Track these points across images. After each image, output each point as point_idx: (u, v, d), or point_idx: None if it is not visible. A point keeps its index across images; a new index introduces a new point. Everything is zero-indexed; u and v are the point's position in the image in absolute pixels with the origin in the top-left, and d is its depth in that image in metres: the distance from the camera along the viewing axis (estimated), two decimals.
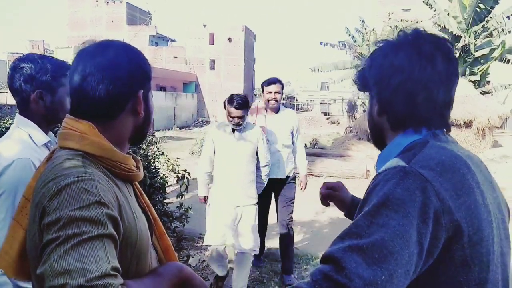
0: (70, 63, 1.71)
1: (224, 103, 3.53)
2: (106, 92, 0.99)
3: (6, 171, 1.49)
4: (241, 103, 3.41)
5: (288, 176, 4.18)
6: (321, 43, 21.07)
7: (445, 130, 1.05)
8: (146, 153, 4.64)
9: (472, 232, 0.89)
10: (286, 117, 4.19)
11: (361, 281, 0.76)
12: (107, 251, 0.79)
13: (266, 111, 4.18)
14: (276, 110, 4.15)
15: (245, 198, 3.58)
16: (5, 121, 4.51)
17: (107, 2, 40.63)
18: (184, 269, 1.03)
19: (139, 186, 1.15)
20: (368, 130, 1.20)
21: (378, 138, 1.14)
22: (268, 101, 4.07)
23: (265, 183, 3.89)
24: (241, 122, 3.46)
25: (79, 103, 1.02)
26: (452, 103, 1.03)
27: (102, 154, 0.97)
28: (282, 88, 4.15)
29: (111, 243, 0.82)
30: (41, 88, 1.61)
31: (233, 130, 3.55)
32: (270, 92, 4.07)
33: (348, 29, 21.74)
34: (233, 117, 3.44)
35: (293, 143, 4.23)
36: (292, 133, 4.18)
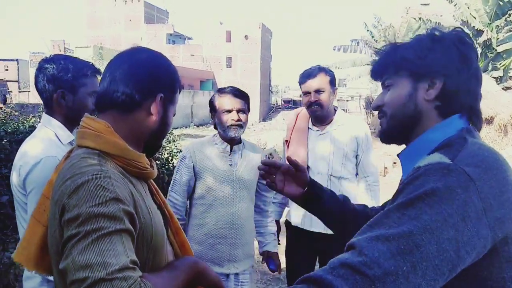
0: (92, 62, 1.77)
1: (212, 101, 2.24)
2: (126, 84, 1.04)
3: (34, 169, 1.55)
4: (239, 90, 2.21)
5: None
6: (334, 48, 20.80)
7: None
8: (162, 153, 4.66)
9: None
10: (343, 130, 2.49)
11: (380, 270, 0.75)
12: (125, 245, 0.83)
13: (312, 122, 2.56)
14: (325, 120, 2.51)
15: (244, 260, 2.25)
16: (28, 119, 4.62)
17: (125, 1, 41.12)
18: (199, 263, 1.06)
19: (154, 183, 1.19)
20: (391, 119, 1.08)
21: (407, 126, 1.06)
22: (308, 107, 2.46)
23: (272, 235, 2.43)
24: (242, 124, 2.16)
25: (99, 98, 1.08)
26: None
27: (117, 152, 1.00)
28: (333, 82, 2.47)
29: (128, 237, 0.85)
30: (62, 88, 1.66)
31: (230, 149, 2.21)
32: (308, 93, 2.44)
33: (366, 24, 21.51)
34: (229, 111, 2.13)
35: (356, 175, 2.56)
36: (356, 155, 2.52)
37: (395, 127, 1.08)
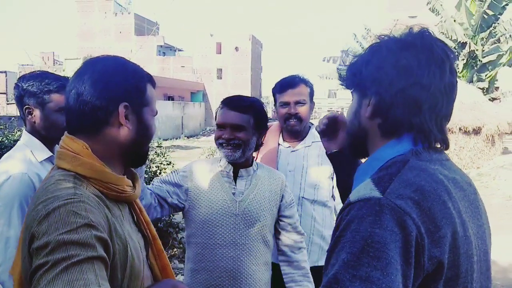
0: (68, 76, 1.75)
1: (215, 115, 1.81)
2: (85, 104, 0.99)
3: (3, 186, 1.54)
4: (240, 101, 1.75)
5: (317, 267, 2.09)
6: (323, 60, 20.98)
7: (444, 145, 0.95)
8: (150, 166, 4.57)
9: (447, 267, 0.80)
10: (318, 148, 2.21)
11: None
12: (96, 273, 0.79)
13: (283, 137, 2.31)
14: (301, 136, 2.28)
15: None
16: (13, 133, 4.56)
17: (116, 14, 41.13)
18: (178, 286, 1.01)
19: (139, 202, 1.15)
20: (347, 134, 1.06)
21: (358, 144, 1.01)
22: (285, 120, 2.20)
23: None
24: (239, 143, 1.68)
25: (67, 118, 1.04)
26: (450, 118, 0.94)
27: (93, 175, 0.96)
28: (311, 94, 2.25)
29: (101, 265, 0.81)
30: (28, 105, 1.67)
31: (235, 174, 1.76)
32: (287, 104, 2.18)
33: (355, 36, 21.78)
34: (221, 126, 1.72)
35: (333, 197, 2.29)
36: (332, 177, 2.22)
37: (349, 143, 1.06)
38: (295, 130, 2.22)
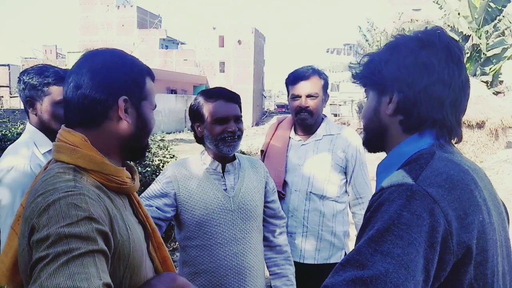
0: (62, 70, 1.76)
1: (196, 109, 1.72)
2: (84, 98, 0.99)
3: (5, 177, 1.56)
4: (232, 93, 1.73)
5: (328, 265, 2.11)
6: (327, 51, 20.94)
7: (456, 139, 1.00)
8: (152, 160, 4.57)
9: (477, 253, 0.84)
10: (330, 142, 2.17)
11: None
12: (98, 267, 0.78)
13: (295, 131, 2.27)
14: (312, 129, 2.21)
15: None
16: (16, 127, 4.59)
17: (118, 7, 41.02)
18: (178, 279, 1.01)
19: (137, 196, 1.15)
20: (365, 131, 1.09)
21: (378, 140, 1.05)
22: (296, 113, 2.15)
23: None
24: (240, 134, 1.68)
25: (65, 111, 1.04)
26: (464, 112, 0.99)
27: (93, 167, 0.96)
28: (325, 87, 2.18)
29: (102, 258, 0.81)
30: (29, 97, 1.70)
31: (223, 169, 1.73)
32: (298, 97, 2.13)
33: (360, 28, 21.70)
34: (224, 120, 1.66)
35: (347, 193, 2.21)
36: (345, 172, 2.16)
37: (369, 139, 1.09)
38: (305, 124, 2.17)
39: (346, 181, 2.18)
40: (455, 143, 1.01)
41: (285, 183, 2.17)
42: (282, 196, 2.13)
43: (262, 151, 2.35)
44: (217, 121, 1.65)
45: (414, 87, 0.94)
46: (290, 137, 2.24)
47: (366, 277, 0.76)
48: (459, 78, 0.94)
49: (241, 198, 1.70)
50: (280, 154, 2.20)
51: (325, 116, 2.29)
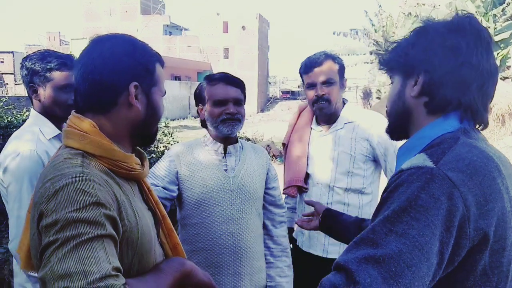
0: (66, 56, 1.75)
1: (199, 92, 1.77)
2: (94, 83, 0.99)
3: (11, 163, 1.57)
4: (233, 77, 1.75)
5: None
6: (334, 33, 20.80)
7: (482, 125, 0.99)
8: (157, 146, 4.59)
9: (494, 240, 0.84)
10: (351, 130, 2.03)
11: None
12: (107, 251, 0.79)
13: (317, 120, 2.16)
14: (333, 118, 2.08)
15: None
16: (21, 113, 4.60)
17: None
18: (186, 264, 1.02)
19: (147, 182, 1.15)
20: (389, 116, 1.09)
21: (401, 125, 1.04)
22: (313, 103, 2.02)
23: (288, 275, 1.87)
24: (240, 117, 1.71)
25: (75, 97, 1.04)
26: (492, 99, 0.98)
27: (102, 153, 0.96)
28: (341, 71, 2.03)
29: (111, 243, 0.82)
30: (32, 83, 1.69)
31: (224, 151, 1.75)
32: (313, 85, 2.00)
33: (367, 13, 21.45)
34: (223, 102, 1.68)
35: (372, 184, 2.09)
36: (373, 160, 2.03)
37: (392, 123, 1.08)
38: (324, 113, 2.03)
39: (374, 170, 2.04)
40: (481, 129, 1.00)
41: (307, 176, 2.11)
42: (304, 190, 2.10)
43: (283, 144, 2.30)
44: (216, 103, 1.69)
45: (440, 69, 0.93)
46: (312, 128, 2.16)
47: (378, 256, 0.76)
48: (487, 62, 0.93)
49: (241, 179, 1.72)
50: (302, 146, 2.14)
51: (346, 101, 2.15)
